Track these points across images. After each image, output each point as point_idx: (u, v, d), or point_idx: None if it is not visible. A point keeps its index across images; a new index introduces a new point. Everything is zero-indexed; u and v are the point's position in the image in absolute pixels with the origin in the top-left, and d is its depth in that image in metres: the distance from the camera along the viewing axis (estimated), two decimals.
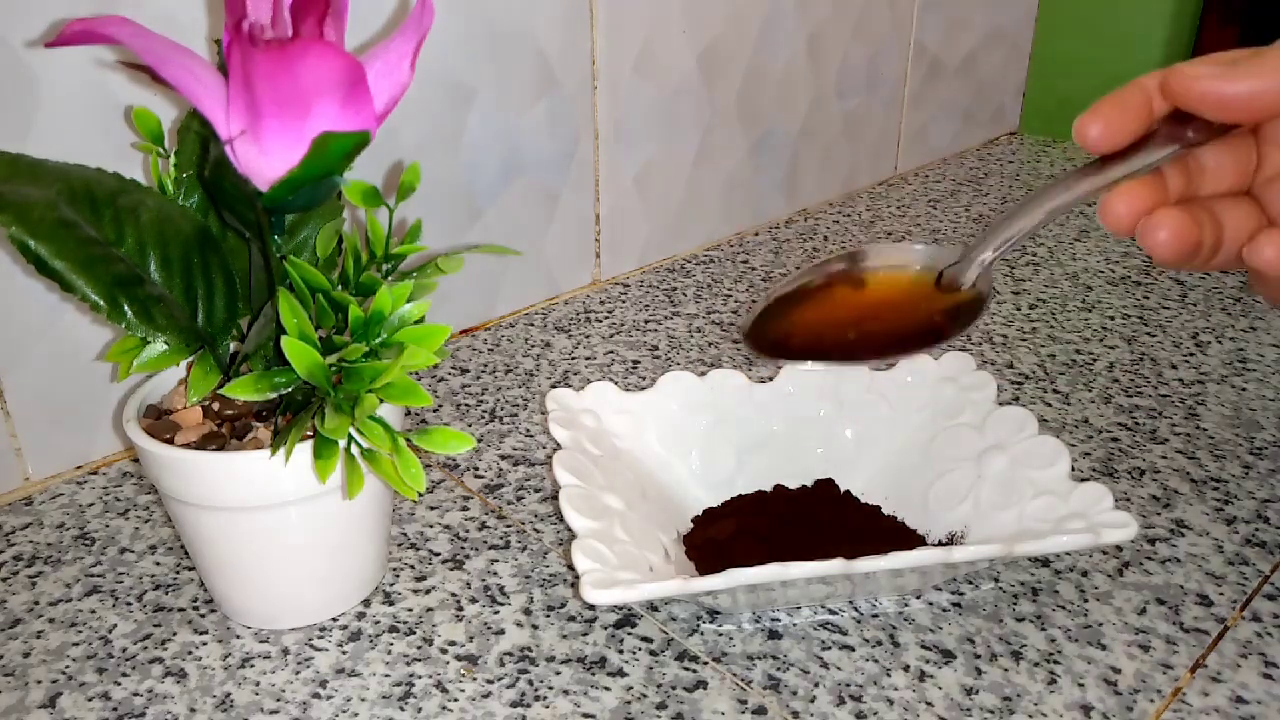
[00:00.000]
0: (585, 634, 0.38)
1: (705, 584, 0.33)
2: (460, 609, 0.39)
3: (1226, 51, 0.31)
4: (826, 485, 0.45)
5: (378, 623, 0.38)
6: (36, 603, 0.40)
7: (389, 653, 0.37)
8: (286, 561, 0.37)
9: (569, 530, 0.43)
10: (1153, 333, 0.61)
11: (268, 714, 0.34)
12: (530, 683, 0.36)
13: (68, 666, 0.36)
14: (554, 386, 0.55)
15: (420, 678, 0.36)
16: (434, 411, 0.53)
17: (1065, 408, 0.53)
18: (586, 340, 0.60)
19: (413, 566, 0.41)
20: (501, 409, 0.53)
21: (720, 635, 0.38)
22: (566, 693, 0.35)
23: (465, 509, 0.45)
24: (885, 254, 0.38)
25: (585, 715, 0.34)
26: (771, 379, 0.46)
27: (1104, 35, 0.95)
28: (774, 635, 0.38)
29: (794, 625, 0.38)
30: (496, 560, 0.42)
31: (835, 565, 0.33)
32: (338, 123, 0.31)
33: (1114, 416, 0.52)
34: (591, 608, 0.39)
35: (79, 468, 0.48)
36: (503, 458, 0.49)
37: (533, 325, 0.62)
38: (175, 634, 0.38)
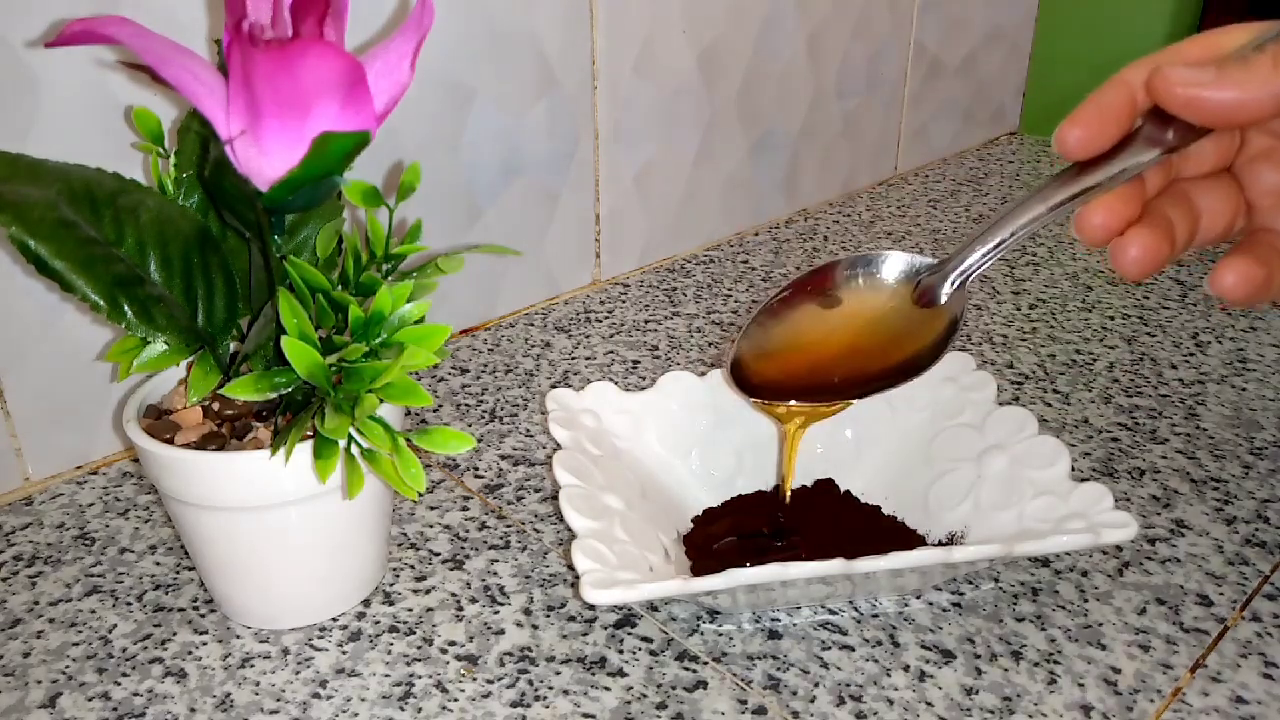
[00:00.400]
0: (585, 634, 0.38)
1: (705, 584, 0.33)
2: (460, 609, 0.39)
3: (1216, 33, 0.31)
4: (826, 485, 0.45)
5: (378, 623, 0.38)
6: (36, 603, 0.40)
7: (389, 653, 0.37)
8: (286, 561, 0.37)
9: (569, 530, 0.43)
10: (1153, 333, 0.61)
11: (268, 714, 0.34)
12: (530, 683, 0.36)
13: (68, 666, 0.36)
14: (554, 386, 0.55)
15: (420, 678, 0.36)
16: (434, 411, 0.53)
17: (1065, 408, 0.53)
18: (586, 340, 0.60)
19: (413, 566, 0.41)
20: (501, 409, 0.53)
21: (720, 635, 0.38)
22: (566, 693, 0.35)
23: (465, 509, 0.45)
24: (860, 269, 0.38)
25: (585, 715, 0.34)
26: None
27: (1104, 35, 0.95)
28: (774, 635, 0.38)
29: (794, 625, 0.38)
30: (496, 560, 0.42)
31: (835, 565, 0.33)
32: (338, 123, 0.31)
33: (1114, 416, 0.52)
34: (591, 608, 0.39)
35: (79, 468, 0.48)
36: (503, 458, 0.49)
37: (533, 325, 0.62)
38: (175, 634, 0.38)
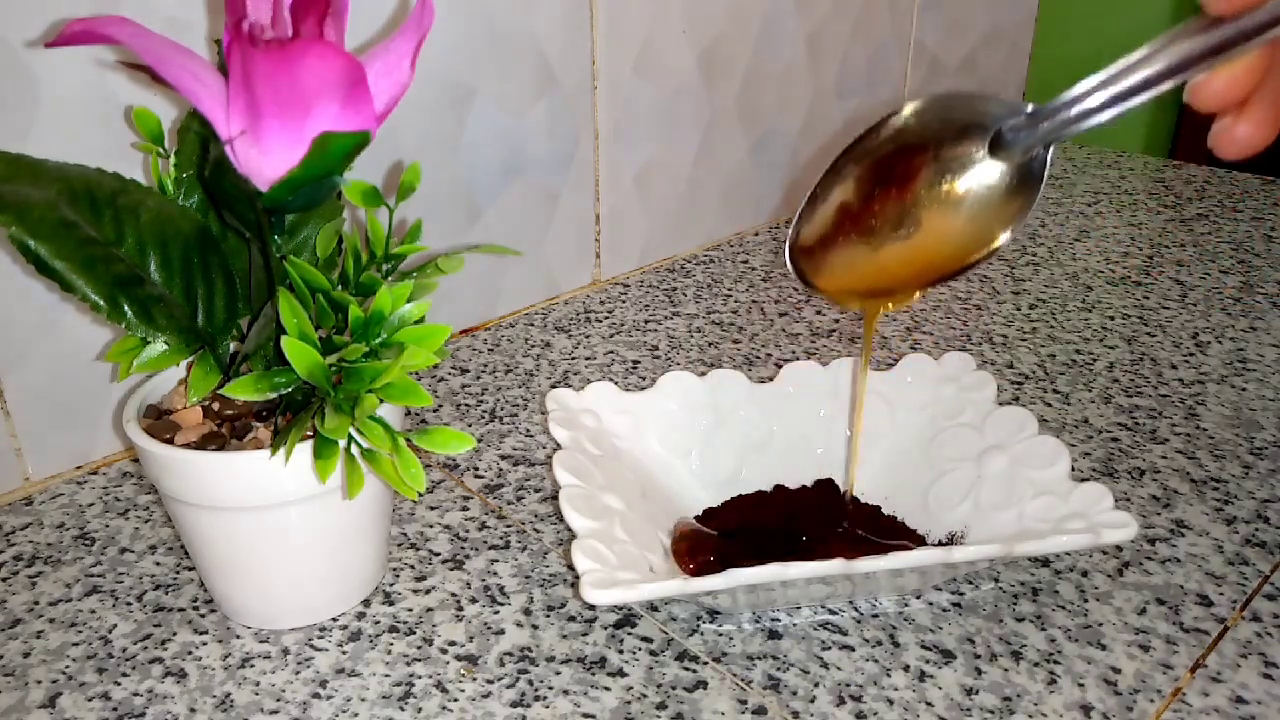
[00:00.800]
0: (585, 634, 0.38)
1: (705, 584, 0.33)
2: (460, 609, 0.39)
3: None
4: (826, 485, 0.45)
5: (378, 623, 0.38)
6: (36, 603, 0.40)
7: (389, 653, 0.37)
8: (286, 561, 0.37)
9: (569, 530, 0.43)
10: (1153, 333, 0.61)
11: (268, 714, 0.34)
12: (530, 683, 0.36)
13: (68, 666, 0.36)
14: (554, 386, 0.55)
15: (420, 678, 0.36)
16: (434, 411, 0.53)
17: (1065, 408, 0.53)
18: (586, 340, 0.60)
19: (413, 566, 0.41)
20: (501, 409, 0.53)
21: (720, 635, 0.38)
22: (566, 693, 0.35)
23: (465, 509, 0.45)
24: (932, 113, 0.34)
25: (585, 715, 0.34)
26: (771, 379, 0.46)
27: (1104, 35, 0.95)
28: (774, 635, 0.38)
29: (794, 625, 0.38)
30: (496, 560, 0.42)
31: (835, 565, 0.33)
32: (338, 123, 0.31)
33: (1114, 416, 0.52)
34: (591, 608, 0.39)
35: (79, 468, 0.48)
36: (503, 458, 0.49)
37: (533, 325, 0.62)
38: (175, 634, 0.38)
